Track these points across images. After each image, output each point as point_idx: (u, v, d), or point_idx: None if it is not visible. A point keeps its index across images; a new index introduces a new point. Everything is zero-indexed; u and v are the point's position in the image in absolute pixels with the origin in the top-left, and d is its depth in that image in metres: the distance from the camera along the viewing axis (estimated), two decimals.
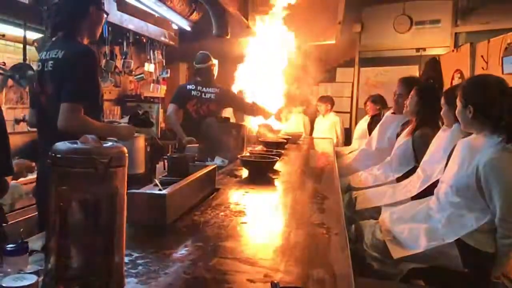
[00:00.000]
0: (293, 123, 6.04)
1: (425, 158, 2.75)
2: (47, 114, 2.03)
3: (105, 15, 2.26)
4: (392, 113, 3.69)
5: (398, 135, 3.41)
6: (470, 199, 1.96)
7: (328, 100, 5.99)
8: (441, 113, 2.59)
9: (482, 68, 4.42)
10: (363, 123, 5.37)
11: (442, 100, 2.57)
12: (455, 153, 2.16)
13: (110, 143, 0.93)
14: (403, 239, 2.10)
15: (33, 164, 1.91)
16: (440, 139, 2.69)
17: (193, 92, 3.88)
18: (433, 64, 5.51)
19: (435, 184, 2.35)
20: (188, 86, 3.97)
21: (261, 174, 2.50)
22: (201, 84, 3.92)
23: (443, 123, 2.70)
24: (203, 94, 3.91)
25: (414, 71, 6.04)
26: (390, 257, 2.11)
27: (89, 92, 2.00)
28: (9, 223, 2.03)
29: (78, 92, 1.95)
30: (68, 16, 2.11)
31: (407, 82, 3.42)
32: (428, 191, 2.48)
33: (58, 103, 1.93)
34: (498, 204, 1.85)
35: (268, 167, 2.57)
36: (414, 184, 2.71)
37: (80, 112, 1.93)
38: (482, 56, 4.48)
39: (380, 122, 3.85)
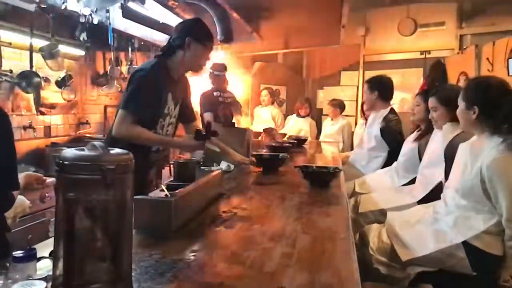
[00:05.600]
0: (298, 127, 6.02)
1: (423, 162, 2.76)
2: None
3: (208, 52, 2.28)
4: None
5: (381, 130, 3.58)
6: (476, 201, 1.95)
7: (338, 104, 5.94)
8: (434, 115, 2.60)
9: (488, 70, 4.41)
10: (359, 129, 5.32)
11: (434, 102, 2.58)
12: (457, 157, 2.15)
13: (116, 150, 0.94)
14: (411, 242, 2.10)
15: (43, 176, 1.91)
16: (434, 142, 2.70)
17: (220, 98, 4.25)
18: (438, 66, 5.49)
19: (438, 189, 2.35)
20: (214, 93, 4.30)
21: (274, 169, 2.77)
22: (222, 90, 4.26)
23: None
24: (225, 99, 4.30)
25: (419, 74, 6.02)
26: (397, 261, 2.10)
27: (139, 106, 2.09)
28: (16, 229, 2.04)
29: (127, 101, 2.10)
30: (170, 42, 2.23)
31: (369, 81, 3.88)
32: (431, 196, 2.48)
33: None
34: (504, 204, 1.84)
35: (279, 163, 2.80)
36: (418, 189, 2.72)
37: (128, 120, 2.07)
38: (487, 58, 4.47)
39: (367, 125, 3.93)
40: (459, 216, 2.01)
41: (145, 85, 2.12)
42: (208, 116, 4.10)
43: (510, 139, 1.92)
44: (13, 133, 1.58)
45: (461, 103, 2.08)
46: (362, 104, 5.37)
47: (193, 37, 2.17)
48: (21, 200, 1.85)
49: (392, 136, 3.48)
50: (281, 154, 2.90)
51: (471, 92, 2.05)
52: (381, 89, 3.73)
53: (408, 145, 3.12)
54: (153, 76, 2.14)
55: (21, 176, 1.72)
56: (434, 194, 2.44)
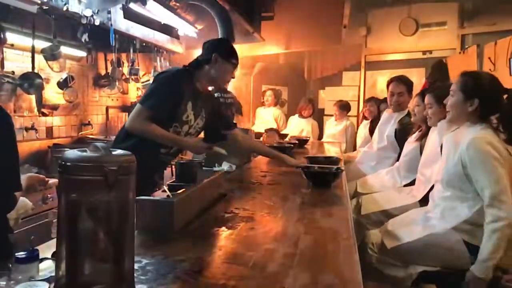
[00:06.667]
0: (300, 128, 6.02)
1: (421, 162, 2.78)
2: None
3: (233, 69, 2.39)
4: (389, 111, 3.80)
5: (396, 131, 3.53)
6: (460, 189, 1.98)
7: (345, 105, 5.91)
8: (429, 112, 2.66)
9: (490, 70, 4.40)
10: (363, 129, 5.31)
11: (430, 100, 2.65)
12: (443, 150, 2.18)
13: (119, 151, 0.94)
14: (399, 233, 2.15)
15: (46, 178, 1.91)
16: (430, 141, 2.74)
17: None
18: (440, 66, 5.48)
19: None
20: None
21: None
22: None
23: None
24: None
25: (421, 73, 6.02)
26: (399, 259, 2.10)
27: (156, 104, 2.16)
28: (19, 230, 2.04)
29: (146, 98, 2.18)
30: (199, 57, 2.34)
31: (401, 81, 3.63)
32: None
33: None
34: (485, 183, 1.84)
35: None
36: (417, 188, 2.73)
37: (143, 115, 2.14)
38: (489, 58, 4.46)
39: (379, 123, 3.88)
40: (445, 207, 2.04)
41: (165, 85, 2.21)
42: None
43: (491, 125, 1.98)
44: (16, 134, 1.58)
45: (458, 94, 2.07)
46: (372, 104, 5.33)
47: (219, 54, 2.30)
48: (24, 202, 1.85)
49: (405, 139, 3.43)
50: (334, 156, 2.94)
51: (472, 85, 2.05)
52: (412, 89, 3.68)
53: (410, 145, 3.11)
54: (175, 79, 2.23)
55: (24, 178, 1.72)
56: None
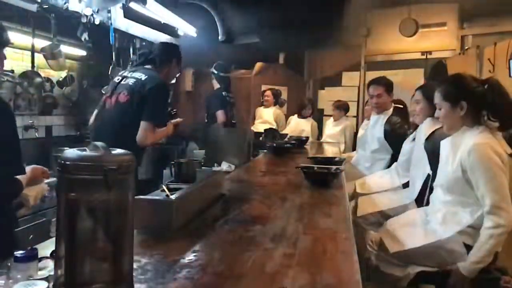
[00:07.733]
0: (300, 128, 6.01)
1: (412, 162, 2.81)
2: (110, 115, 2.57)
3: (178, 72, 2.90)
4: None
5: (386, 131, 3.52)
6: (461, 194, 1.97)
7: (343, 106, 5.90)
8: (417, 108, 2.73)
9: (489, 71, 4.41)
10: (363, 129, 5.30)
11: (419, 95, 2.71)
12: (441, 155, 2.17)
13: (118, 150, 0.94)
14: (400, 236, 2.13)
15: (48, 170, 1.92)
16: (417, 141, 2.76)
17: (227, 99, 4.39)
18: (440, 67, 5.48)
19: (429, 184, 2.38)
20: (223, 93, 4.44)
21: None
22: (228, 90, 4.42)
23: None
24: (231, 99, 4.42)
25: (420, 74, 6.01)
26: (397, 257, 2.10)
27: (162, 116, 2.54)
28: (17, 229, 2.04)
29: (152, 114, 2.44)
30: (157, 57, 2.68)
31: (379, 82, 3.67)
32: (426, 192, 2.50)
33: (124, 112, 2.47)
34: (486, 190, 1.84)
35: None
36: (412, 187, 2.74)
37: (153, 130, 2.44)
38: (489, 59, 4.46)
39: (369, 126, 3.89)
40: (446, 212, 2.03)
41: (167, 97, 2.61)
42: (221, 113, 4.27)
43: (489, 126, 1.96)
44: (16, 122, 1.61)
45: (445, 105, 2.07)
46: (366, 103, 5.33)
47: (177, 59, 2.76)
48: (39, 182, 1.86)
49: (396, 140, 3.41)
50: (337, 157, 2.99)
51: (454, 90, 2.06)
52: (392, 90, 3.69)
53: (408, 145, 3.12)
54: (168, 87, 2.65)
55: (28, 170, 1.73)
56: (428, 189, 2.47)
